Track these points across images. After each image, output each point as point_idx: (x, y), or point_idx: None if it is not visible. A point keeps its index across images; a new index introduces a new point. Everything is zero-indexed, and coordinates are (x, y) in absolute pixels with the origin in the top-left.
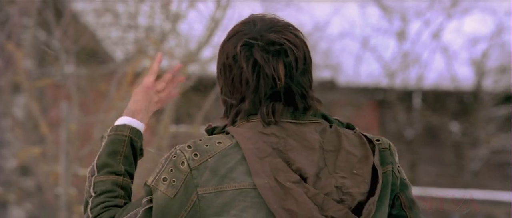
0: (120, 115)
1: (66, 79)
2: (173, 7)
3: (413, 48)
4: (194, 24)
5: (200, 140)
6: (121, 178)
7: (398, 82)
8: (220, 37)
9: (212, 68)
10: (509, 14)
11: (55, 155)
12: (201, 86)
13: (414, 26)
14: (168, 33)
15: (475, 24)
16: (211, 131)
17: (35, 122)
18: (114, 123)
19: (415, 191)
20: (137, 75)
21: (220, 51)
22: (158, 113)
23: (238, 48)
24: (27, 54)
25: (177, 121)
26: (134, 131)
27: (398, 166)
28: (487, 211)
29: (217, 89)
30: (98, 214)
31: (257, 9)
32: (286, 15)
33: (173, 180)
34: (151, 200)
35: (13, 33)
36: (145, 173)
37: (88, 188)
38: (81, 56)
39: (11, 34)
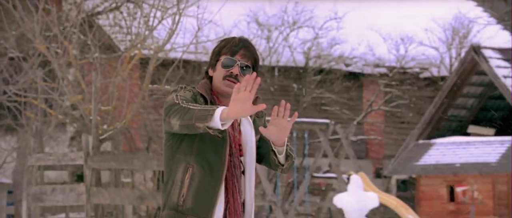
0: (122, 80)
1: (95, 60)
2: (150, 23)
3: (274, 45)
4: (161, 31)
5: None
6: None
7: (267, 63)
8: (175, 38)
9: (171, 55)
10: (322, 29)
11: (89, 99)
12: (165, 63)
13: (274, 34)
14: (148, 36)
15: (304, 33)
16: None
17: (79, 82)
18: (120, 83)
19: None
20: (131, 59)
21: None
22: (142, 77)
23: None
24: (74, 46)
25: (152, 82)
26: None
27: None
28: (309, 128)
29: (173, 64)
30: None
31: (195, 24)
32: (208, 28)
33: None
34: None
35: (67, 35)
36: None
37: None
38: (102, 48)
39: (66, 36)
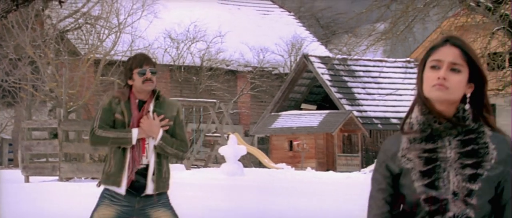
0: (82, 73)
1: (65, 61)
2: (101, 37)
3: (181, 52)
4: (108, 43)
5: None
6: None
7: (176, 63)
8: (117, 47)
9: (115, 58)
10: (212, 42)
11: (61, 86)
12: (110, 63)
13: (181, 45)
14: (99, 46)
15: (200, 45)
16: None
17: (54, 74)
18: (81, 75)
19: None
20: (88, 60)
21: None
22: (95, 72)
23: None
24: (51, 52)
25: (102, 75)
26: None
27: None
28: (203, 105)
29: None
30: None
31: (130, 38)
32: (138, 41)
33: None
34: None
35: (47, 45)
36: None
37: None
38: (69, 53)
39: (46, 45)
